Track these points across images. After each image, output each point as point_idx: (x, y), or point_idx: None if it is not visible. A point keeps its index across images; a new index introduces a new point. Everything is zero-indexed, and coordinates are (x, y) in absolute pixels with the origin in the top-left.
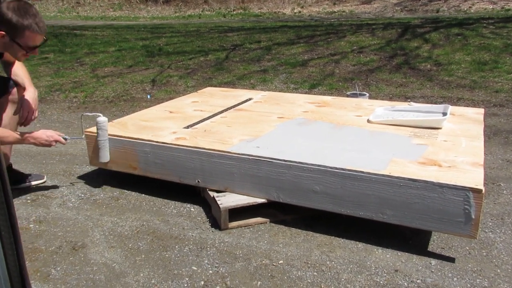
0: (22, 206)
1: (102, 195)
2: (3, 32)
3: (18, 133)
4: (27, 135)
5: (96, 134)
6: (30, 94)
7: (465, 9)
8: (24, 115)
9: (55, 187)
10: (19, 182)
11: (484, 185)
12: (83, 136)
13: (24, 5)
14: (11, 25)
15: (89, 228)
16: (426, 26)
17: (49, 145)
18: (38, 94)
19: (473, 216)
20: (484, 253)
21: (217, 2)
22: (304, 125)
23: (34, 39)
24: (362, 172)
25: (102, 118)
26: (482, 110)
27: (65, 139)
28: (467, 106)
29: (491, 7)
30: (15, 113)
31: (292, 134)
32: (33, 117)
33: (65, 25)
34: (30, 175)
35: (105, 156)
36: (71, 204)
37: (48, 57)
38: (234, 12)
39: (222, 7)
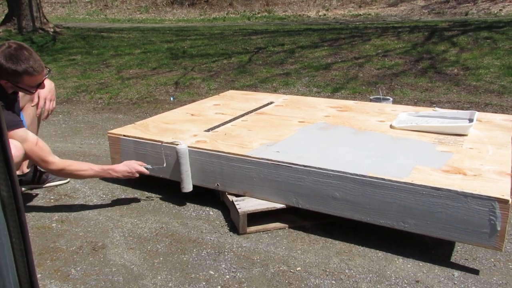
0: (45, 206)
1: (123, 196)
2: (5, 81)
3: (98, 166)
4: (108, 168)
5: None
6: (46, 84)
7: (495, 11)
8: (41, 104)
9: (78, 187)
10: (43, 182)
11: (511, 196)
12: (165, 164)
13: (15, 51)
14: (9, 73)
15: (109, 229)
16: (454, 29)
17: (133, 177)
18: (65, 95)
19: (498, 228)
20: (510, 266)
21: (242, 5)
22: (325, 130)
23: (34, 80)
24: (384, 179)
25: (182, 146)
26: (511, 117)
27: (147, 168)
28: (495, 112)
29: None
30: (33, 105)
31: (313, 139)
32: (51, 107)
33: (93, 27)
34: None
35: (189, 185)
36: (92, 204)
37: (76, 58)
38: (259, 15)
39: (246, 10)
